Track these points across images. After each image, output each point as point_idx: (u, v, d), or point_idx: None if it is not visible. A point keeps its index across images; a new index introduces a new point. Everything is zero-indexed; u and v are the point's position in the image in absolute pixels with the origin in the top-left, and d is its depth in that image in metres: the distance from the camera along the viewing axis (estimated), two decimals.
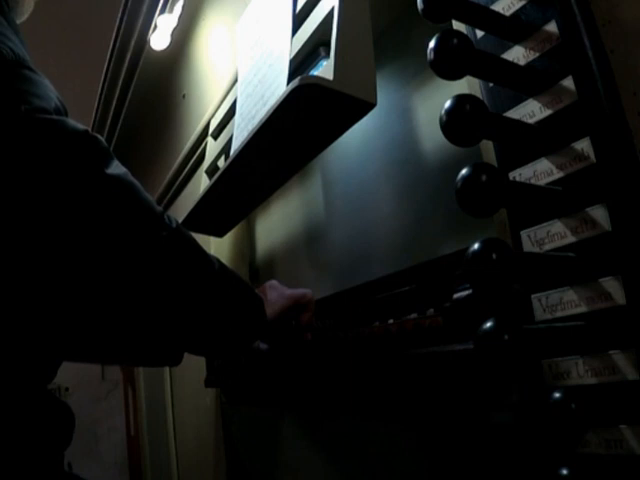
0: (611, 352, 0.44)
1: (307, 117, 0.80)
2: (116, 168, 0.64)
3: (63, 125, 0.61)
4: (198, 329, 0.70)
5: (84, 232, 0.61)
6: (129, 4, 1.69)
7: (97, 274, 0.63)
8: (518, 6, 0.54)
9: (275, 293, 0.81)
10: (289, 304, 0.81)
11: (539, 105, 0.52)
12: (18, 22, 0.78)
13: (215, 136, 1.32)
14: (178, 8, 1.62)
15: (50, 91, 0.66)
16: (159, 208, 0.68)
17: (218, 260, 0.73)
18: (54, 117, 0.62)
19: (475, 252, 0.41)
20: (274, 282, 0.85)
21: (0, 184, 0.59)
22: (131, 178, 0.66)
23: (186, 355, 0.78)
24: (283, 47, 0.89)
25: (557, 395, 0.42)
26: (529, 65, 0.53)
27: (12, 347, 0.68)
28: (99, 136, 0.65)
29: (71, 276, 0.63)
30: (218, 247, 1.40)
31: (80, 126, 0.63)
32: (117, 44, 1.85)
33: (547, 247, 0.50)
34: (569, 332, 0.45)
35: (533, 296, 0.51)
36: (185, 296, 0.67)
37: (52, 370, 0.76)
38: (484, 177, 0.43)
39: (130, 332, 0.69)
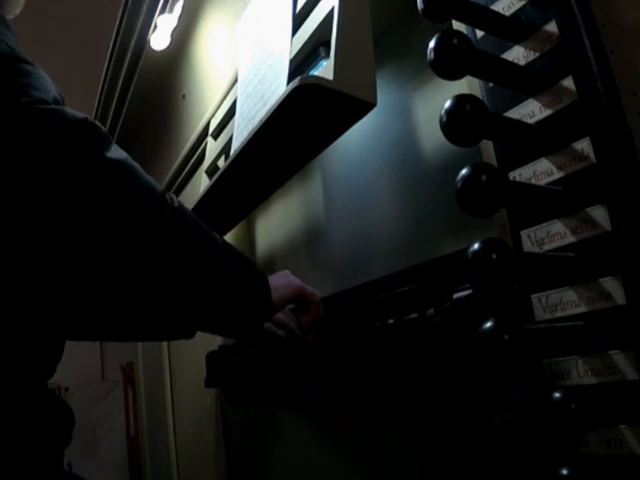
0: (611, 352, 0.44)
1: (307, 117, 0.80)
2: (116, 152, 0.66)
3: (63, 114, 0.63)
4: (205, 303, 0.72)
5: (89, 215, 0.63)
6: (129, 4, 1.69)
7: (103, 255, 0.65)
8: (518, 6, 0.54)
9: (284, 280, 0.82)
10: (294, 293, 0.81)
11: (539, 105, 0.52)
12: (9, 18, 0.78)
13: (215, 136, 1.32)
14: (178, 8, 1.62)
15: (47, 82, 0.68)
16: (160, 188, 0.70)
17: (222, 237, 0.75)
18: (53, 107, 0.64)
19: (475, 252, 0.41)
20: (286, 271, 0.85)
21: (5, 174, 0.61)
22: (131, 161, 0.68)
23: (186, 356, 0.78)
24: (283, 47, 0.89)
25: (557, 395, 0.42)
26: (529, 65, 0.53)
27: (13, 338, 0.69)
28: (98, 123, 0.67)
29: (78, 258, 0.64)
30: None
31: (79, 114, 0.65)
32: (117, 44, 1.85)
33: (547, 247, 0.50)
34: (569, 332, 0.45)
35: (533, 296, 0.51)
36: (190, 271, 0.69)
37: (51, 365, 0.76)
38: (484, 177, 0.43)
39: (139, 308, 0.70)
